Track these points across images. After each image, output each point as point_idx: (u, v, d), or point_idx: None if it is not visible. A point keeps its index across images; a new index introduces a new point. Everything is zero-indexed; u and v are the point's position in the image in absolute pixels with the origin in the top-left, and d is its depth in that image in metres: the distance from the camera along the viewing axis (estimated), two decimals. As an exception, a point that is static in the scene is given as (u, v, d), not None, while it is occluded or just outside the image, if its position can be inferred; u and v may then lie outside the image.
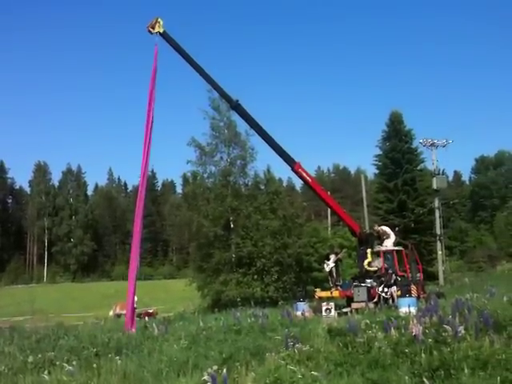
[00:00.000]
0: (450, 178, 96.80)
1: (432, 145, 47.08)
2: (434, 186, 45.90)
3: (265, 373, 7.37)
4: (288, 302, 27.58)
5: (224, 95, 24.15)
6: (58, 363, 9.47)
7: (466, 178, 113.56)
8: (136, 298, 20.51)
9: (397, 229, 32.96)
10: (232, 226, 36.51)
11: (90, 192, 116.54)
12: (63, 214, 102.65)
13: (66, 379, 7.52)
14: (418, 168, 56.58)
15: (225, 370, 7.06)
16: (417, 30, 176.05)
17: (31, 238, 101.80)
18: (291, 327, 12.54)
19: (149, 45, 20.56)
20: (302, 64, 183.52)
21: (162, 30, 20.78)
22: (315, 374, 7.26)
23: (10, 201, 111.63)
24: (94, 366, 8.92)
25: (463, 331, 8.65)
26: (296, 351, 8.90)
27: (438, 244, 45.60)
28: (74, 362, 9.31)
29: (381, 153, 57.77)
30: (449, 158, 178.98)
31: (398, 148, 54.81)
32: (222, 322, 14.55)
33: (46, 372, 8.50)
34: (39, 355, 10.49)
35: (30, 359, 10.05)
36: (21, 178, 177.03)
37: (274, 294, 34.03)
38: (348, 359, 8.30)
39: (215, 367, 7.59)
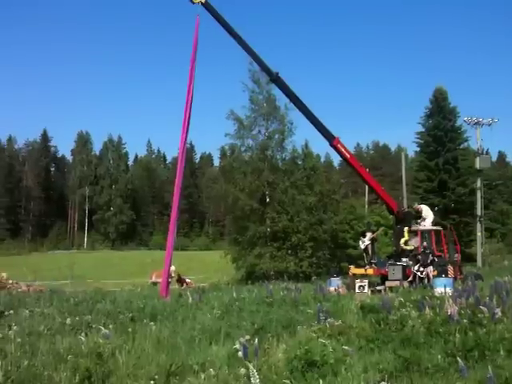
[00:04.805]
0: (494, 159, 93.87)
1: (477, 123, 45.73)
2: (477, 166, 44.75)
3: (296, 345, 7.36)
4: (321, 278, 27.61)
5: (264, 67, 23.89)
6: (94, 326, 9.68)
7: (510, 158, 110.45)
8: (173, 267, 20.84)
9: (436, 208, 32.34)
10: (268, 200, 36.61)
11: (130, 163, 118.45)
12: (104, 184, 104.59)
13: (101, 341, 7.69)
14: (461, 147, 54.88)
15: (256, 341, 7.09)
16: (464, 11, 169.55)
17: (72, 205, 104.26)
18: (324, 302, 12.51)
19: (190, 17, 20.45)
20: (342, 44, 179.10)
21: (203, 0, 20.59)
22: (346, 348, 7.24)
23: (52, 169, 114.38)
24: (130, 330, 9.13)
25: (500, 313, 8.46)
26: (328, 325, 8.86)
27: (478, 225, 44.63)
28: (110, 326, 9.54)
29: (423, 130, 56.25)
30: (493, 137, 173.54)
31: (441, 126, 53.27)
32: (254, 294, 14.64)
33: (83, 334, 8.71)
34: (77, 318, 10.78)
35: (68, 321, 10.33)
36: (63, 146, 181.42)
37: (308, 269, 34.16)
38: (380, 336, 8.22)
39: (247, 337, 7.66)
